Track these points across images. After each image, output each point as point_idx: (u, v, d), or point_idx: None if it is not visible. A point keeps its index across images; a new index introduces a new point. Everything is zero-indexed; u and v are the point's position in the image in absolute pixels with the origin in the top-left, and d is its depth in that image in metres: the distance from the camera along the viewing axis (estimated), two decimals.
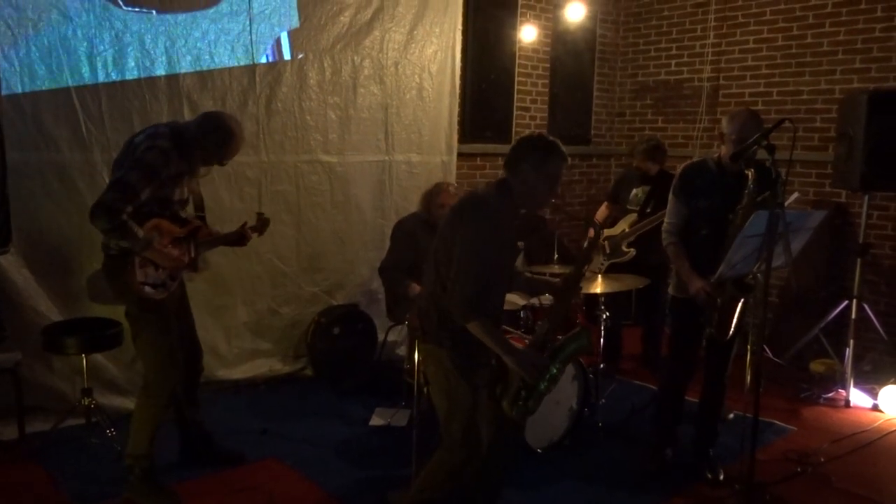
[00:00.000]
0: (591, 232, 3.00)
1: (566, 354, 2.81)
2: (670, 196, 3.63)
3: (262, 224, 3.84)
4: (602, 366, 4.42)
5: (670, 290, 3.75)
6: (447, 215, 2.80)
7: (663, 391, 3.90)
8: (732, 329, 3.47)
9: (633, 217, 5.06)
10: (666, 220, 3.66)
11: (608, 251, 5.15)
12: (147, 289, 3.16)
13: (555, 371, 2.76)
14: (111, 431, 3.78)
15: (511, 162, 2.73)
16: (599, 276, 4.31)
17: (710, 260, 3.39)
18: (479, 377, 2.76)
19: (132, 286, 3.11)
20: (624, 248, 5.03)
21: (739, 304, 3.42)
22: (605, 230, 5.24)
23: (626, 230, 5.04)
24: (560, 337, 2.84)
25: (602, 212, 5.47)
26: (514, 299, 4.47)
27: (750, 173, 3.30)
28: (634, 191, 5.16)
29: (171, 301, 3.32)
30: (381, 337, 5.11)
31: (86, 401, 3.83)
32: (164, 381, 3.28)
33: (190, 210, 3.54)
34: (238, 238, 3.72)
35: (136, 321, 3.25)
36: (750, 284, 3.37)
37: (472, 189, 2.83)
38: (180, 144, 3.16)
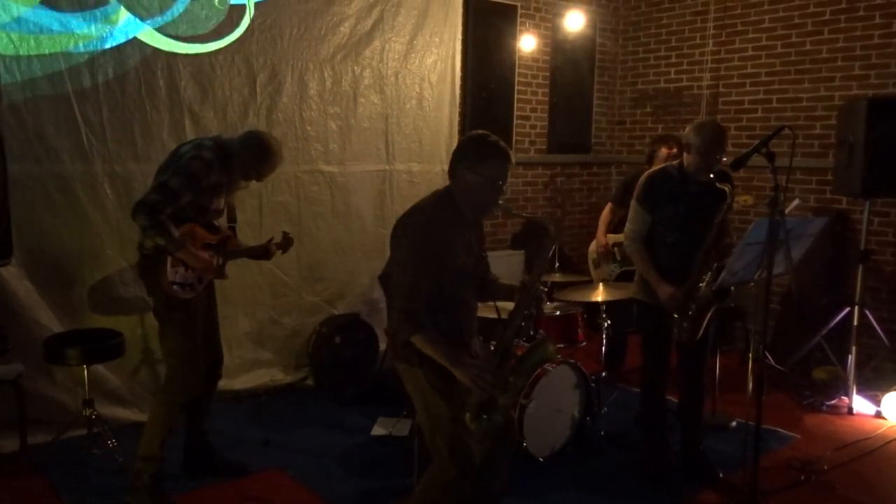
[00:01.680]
0: (549, 237, 2.84)
1: (528, 365, 2.74)
2: (633, 203, 3.68)
3: (286, 242, 3.97)
4: (604, 374, 4.41)
5: (636, 295, 3.76)
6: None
7: (644, 396, 3.92)
8: (702, 331, 3.49)
9: None
10: (628, 226, 3.70)
11: (619, 258, 5.10)
12: (176, 288, 3.27)
13: (516, 383, 2.68)
14: (113, 442, 3.77)
15: (450, 166, 2.64)
16: (601, 284, 4.31)
17: (678, 266, 3.46)
18: (459, 390, 2.63)
19: (162, 284, 3.24)
20: None
21: (712, 311, 3.45)
22: (616, 236, 5.20)
23: None
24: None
25: (606, 215, 5.34)
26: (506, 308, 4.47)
27: (727, 188, 3.33)
28: None
29: (198, 304, 3.42)
30: (382, 346, 5.10)
31: (87, 412, 3.83)
32: (184, 380, 3.35)
33: (223, 221, 3.67)
34: (263, 252, 3.86)
35: (163, 320, 3.36)
36: (727, 291, 3.38)
37: (420, 200, 2.76)
38: (223, 158, 3.34)
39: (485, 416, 2.59)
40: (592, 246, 5.40)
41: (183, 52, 4.42)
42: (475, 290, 2.84)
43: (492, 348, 2.79)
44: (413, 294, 2.54)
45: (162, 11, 4.30)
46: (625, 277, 4.86)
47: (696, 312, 3.44)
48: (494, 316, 3.66)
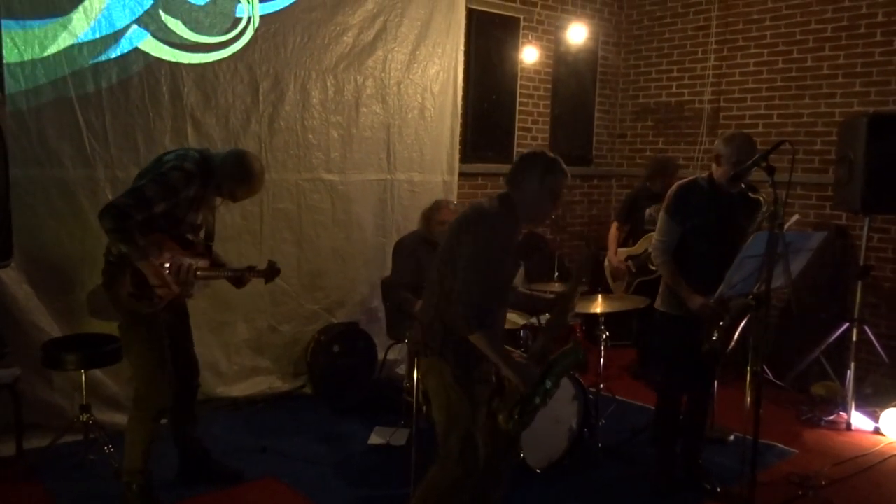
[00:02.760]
0: (587, 250, 3.06)
1: (560, 369, 2.81)
2: (662, 215, 3.67)
3: (271, 272, 3.68)
4: (601, 385, 4.40)
5: (660, 307, 3.74)
6: (452, 227, 2.82)
7: (661, 408, 3.89)
8: (733, 343, 3.48)
9: (652, 235, 5.11)
10: (657, 237, 3.70)
11: (634, 270, 5.29)
12: (134, 300, 3.17)
13: (549, 386, 2.77)
14: (109, 448, 3.76)
15: (514, 177, 2.78)
16: (599, 296, 4.31)
17: (708, 277, 3.43)
18: (479, 393, 2.77)
19: (121, 296, 3.15)
20: (651, 267, 5.06)
21: (745, 319, 3.44)
22: (627, 249, 5.37)
23: (650, 249, 5.07)
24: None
25: (613, 233, 5.57)
26: (513, 318, 4.47)
27: (762, 198, 3.34)
28: (648, 210, 5.31)
29: (163, 316, 3.31)
30: (380, 355, 5.10)
31: (84, 417, 3.82)
32: (154, 395, 3.28)
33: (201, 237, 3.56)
34: (237, 280, 3.60)
35: (127, 333, 3.30)
36: (760, 301, 3.37)
37: (478, 202, 2.85)
38: (205, 171, 3.25)
39: (516, 416, 2.74)
40: (607, 262, 5.62)
41: (186, 61, 4.43)
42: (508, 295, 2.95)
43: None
44: (481, 291, 2.62)
45: (166, 19, 4.33)
46: (642, 287, 4.94)
47: (728, 323, 3.43)
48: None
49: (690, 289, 3.51)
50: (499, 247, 2.69)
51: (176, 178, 3.13)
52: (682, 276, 3.56)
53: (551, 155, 2.80)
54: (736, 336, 3.48)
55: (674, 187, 3.69)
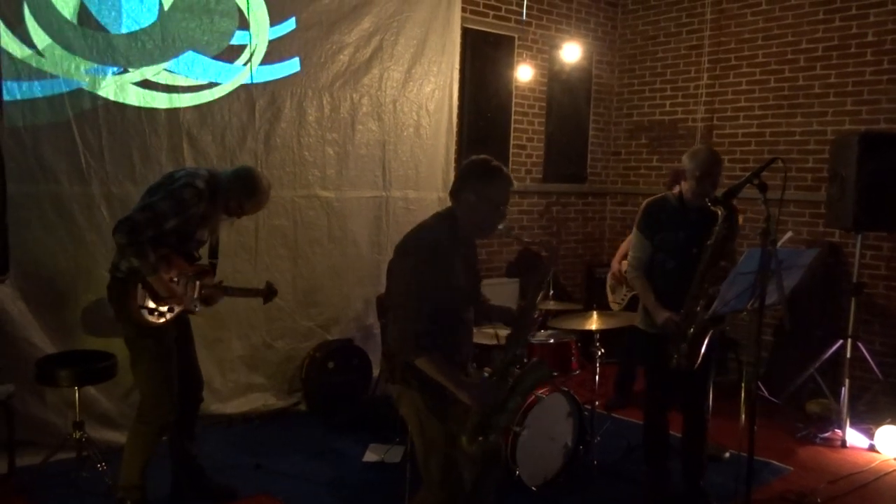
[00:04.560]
0: (546, 258, 2.93)
1: (525, 387, 2.74)
2: (634, 230, 3.73)
3: (268, 292, 3.90)
4: (596, 402, 4.39)
5: (639, 325, 3.76)
6: (395, 250, 2.72)
7: (647, 428, 3.86)
8: (700, 359, 3.47)
9: None
10: (630, 253, 3.74)
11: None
12: (145, 313, 3.21)
13: (513, 404, 2.69)
14: (102, 465, 3.74)
15: (453, 188, 2.70)
16: (594, 313, 4.31)
17: (676, 292, 3.47)
18: (452, 414, 2.65)
19: (132, 309, 3.19)
20: None
21: (708, 335, 3.44)
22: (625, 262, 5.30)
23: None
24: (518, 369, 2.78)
25: (623, 245, 5.42)
26: (504, 335, 4.46)
27: (719, 210, 3.36)
28: None
29: (170, 329, 3.36)
30: (375, 372, 5.09)
31: (77, 434, 3.79)
32: (159, 408, 3.30)
33: (204, 253, 3.62)
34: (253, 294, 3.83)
35: (134, 346, 3.31)
36: (721, 316, 3.38)
37: (421, 222, 2.79)
38: (214, 190, 3.33)
39: (481, 438, 2.62)
40: (610, 274, 5.55)
41: (187, 103, 4.47)
42: (472, 308, 2.86)
43: (486, 373, 2.80)
44: (418, 315, 2.53)
45: (165, 57, 4.35)
46: (634, 301, 4.92)
47: (692, 337, 3.44)
48: (487, 342, 3.68)
49: (659, 304, 3.54)
50: (435, 266, 2.57)
51: (188, 195, 3.21)
52: (652, 291, 3.59)
53: (492, 162, 2.65)
54: (702, 350, 3.47)
55: (644, 203, 3.74)
